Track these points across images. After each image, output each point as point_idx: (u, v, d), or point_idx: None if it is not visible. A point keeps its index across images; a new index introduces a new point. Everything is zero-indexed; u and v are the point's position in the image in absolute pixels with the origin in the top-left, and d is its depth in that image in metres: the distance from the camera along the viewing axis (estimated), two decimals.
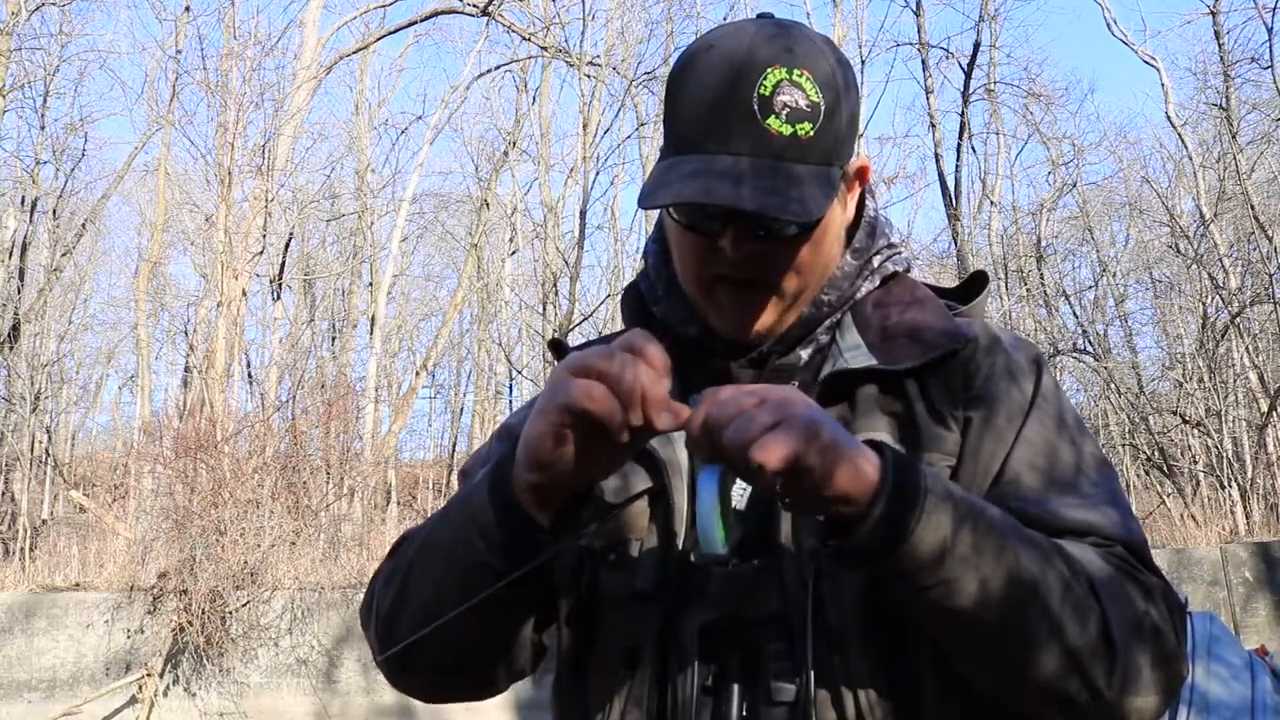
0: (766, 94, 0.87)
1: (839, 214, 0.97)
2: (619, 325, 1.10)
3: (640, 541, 0.93)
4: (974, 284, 1.08)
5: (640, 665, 0.89)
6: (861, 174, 0.99)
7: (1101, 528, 0.87)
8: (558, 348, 1.07)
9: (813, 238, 0.92)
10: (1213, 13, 13.52)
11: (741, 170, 0.86)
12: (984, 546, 0.77)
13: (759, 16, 0.95)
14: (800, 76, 0.88)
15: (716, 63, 0.89)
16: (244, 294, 13.25)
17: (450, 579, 0.86)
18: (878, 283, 1.01)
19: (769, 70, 0.87)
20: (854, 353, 0.94)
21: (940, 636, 0.83)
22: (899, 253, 1.03)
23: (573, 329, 14.02)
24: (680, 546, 0.91)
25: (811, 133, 0.87)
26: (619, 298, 1.11)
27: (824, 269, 0.97)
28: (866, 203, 1.03)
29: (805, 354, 0.98)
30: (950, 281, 1.12)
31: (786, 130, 0.87)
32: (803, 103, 0.87)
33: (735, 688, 0.85)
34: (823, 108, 0.88)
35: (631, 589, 0.90)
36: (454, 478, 21.02)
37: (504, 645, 0.95)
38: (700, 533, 0.75)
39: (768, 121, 0.86)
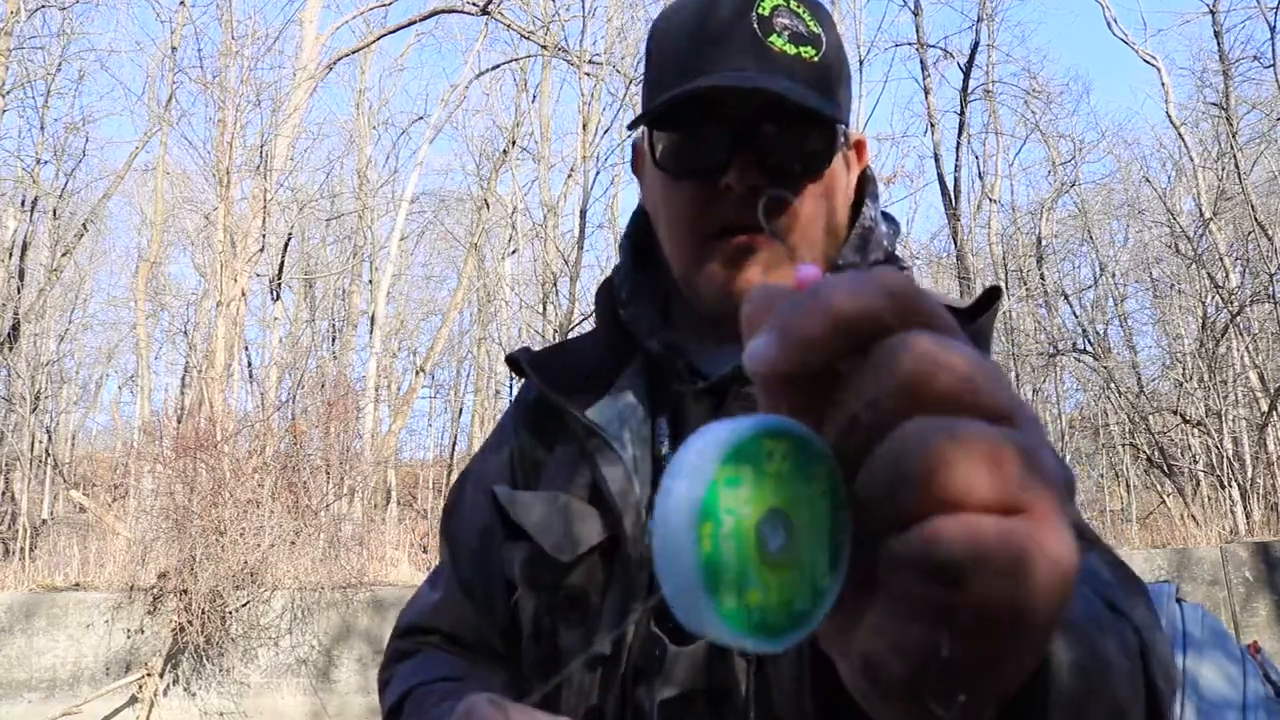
0: (766, 14, 0.81)
1: (844, 175, 0.88)
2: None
3: (601, 597, 0.83)
4: (985, 300, 0.93)
5: None
6: (859, 148, 0.92)
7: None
8: (514, 365, 0.97)
9: (823, 185, 0.84)
10: (1211, 11, 13.52)
11: (754, 75, 0.79)
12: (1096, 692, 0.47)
13: None
14: (797, 6, 0.83)
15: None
16: (244, 294, 13.24)
17: None
18: None
19: None
20: None
21: None
22: (902, 267, 0.93)
23: (573, 329, 14.02)
24: (639, 611, 0.80)
25: (815, 58, 0.82)
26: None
27: (828, 237, 0.87)
28: (864, 209, 0.92)
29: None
30: (949, 281, 1.03)
31: (790, 50, 0.81)
32: (803, 29, 0.82)
33: None
34: (823, 39, 0.83)
35: (589, 650, 0.82)
36: (453, 477, 20.98)
37: None
38: (670, 594, 0.31)
39: (770, 39, 0.81)
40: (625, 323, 0.92)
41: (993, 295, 0.89)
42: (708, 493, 0.30)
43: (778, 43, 0.81)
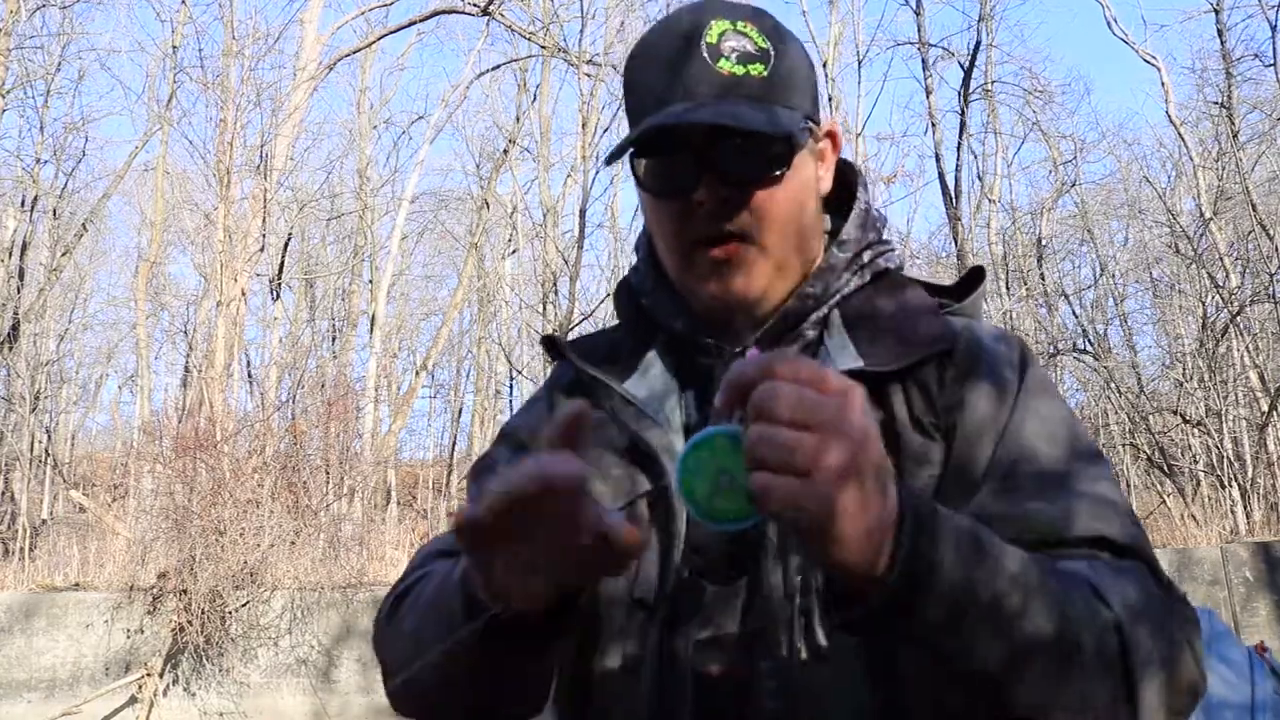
0: (714, 42, 0.90)
1: (812, 169, 0.97)
2: (616, 323, 1.10)
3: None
4: (971, 280, 1.03)
5: (640, 677, 0.86)
6: (832, 137, 1.00)
7: (1108, 535, 0.81)
8: (551, 345, 1.06)
9: (787, 186, 0.92)
10: (1215, 9, 13.51)
11: (701, 104, 0.89)
12: (1000, 608, 0.68)
13: None
14: (744, 27, 0.92)
15: (662, 33, 0.94)
16: (244, 294, 13.24)
17: (454, 670, 0.79)
18: (868, 278, 0.98)
19: (712, 23, 0.91)
20: (841, 353, 0.91)
21: (944, 678, 0.74)
22: (891, 249, 1.01)
23: (573, 328, 14.02)
24: (679, 555, 0.88)
25: (765, 72, 0.90)
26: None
27: (803, 229, 0.95)
28: (859, 195, 1.02)
29: (792, 352, 0.94)
30: (950, 281, 1.08)
31: (739, 70, 0.90)
32: (750, 47, 0.91)
33: (728, 706, 0.84)
34: (772, 53, 0.91)
35: (631, 597, 0.88)
36: (454, 478, 21.02)
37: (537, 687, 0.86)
38: (680, 492, 0.64)
39: (718, 65, 0.90)
40: (648, 310, 1.02)
41: (976, 277, 1.03)
42: (682, 465, 0.65)
43: (725, 66, 0.90)
